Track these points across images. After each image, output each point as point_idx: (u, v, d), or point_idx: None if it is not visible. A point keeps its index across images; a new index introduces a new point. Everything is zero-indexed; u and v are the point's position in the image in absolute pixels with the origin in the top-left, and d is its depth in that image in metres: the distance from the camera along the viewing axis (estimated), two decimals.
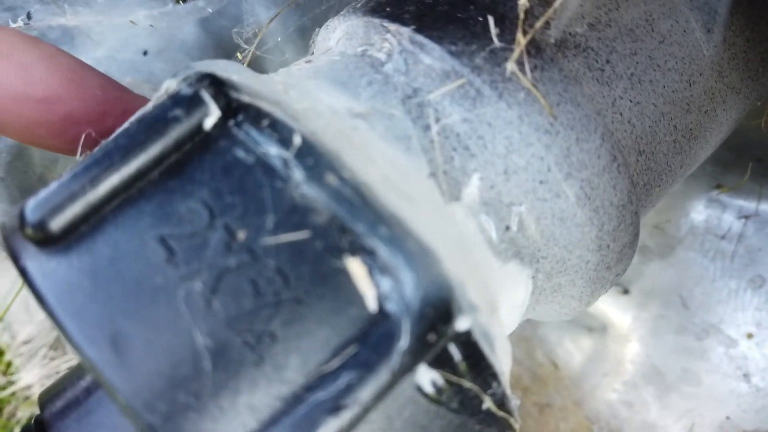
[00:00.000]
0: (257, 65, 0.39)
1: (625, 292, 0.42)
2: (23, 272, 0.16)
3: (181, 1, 0.40)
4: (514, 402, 0.19)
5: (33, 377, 0.54)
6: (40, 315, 0.57)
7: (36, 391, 0.53)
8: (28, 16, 0.33)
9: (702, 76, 0.23)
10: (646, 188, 0.23)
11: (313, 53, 0.25)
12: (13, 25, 0.34)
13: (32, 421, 0.20)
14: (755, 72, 0.25)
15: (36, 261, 0.16)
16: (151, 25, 0.37)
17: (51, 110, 0.21)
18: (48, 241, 0.16)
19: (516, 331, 0.49)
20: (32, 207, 0.16)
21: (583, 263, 0.21)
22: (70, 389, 0.19)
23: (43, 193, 0.16)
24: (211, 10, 0.41)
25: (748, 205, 0.39)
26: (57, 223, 0.16)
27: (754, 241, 0.39)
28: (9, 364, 0.56)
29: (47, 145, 0.22)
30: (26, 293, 0.55)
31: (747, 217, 0.39)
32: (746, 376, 0.39)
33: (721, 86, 0.23)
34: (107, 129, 0.20)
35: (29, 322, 0.56)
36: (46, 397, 0.19)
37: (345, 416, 0.14)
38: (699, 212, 0.40)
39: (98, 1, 0.38)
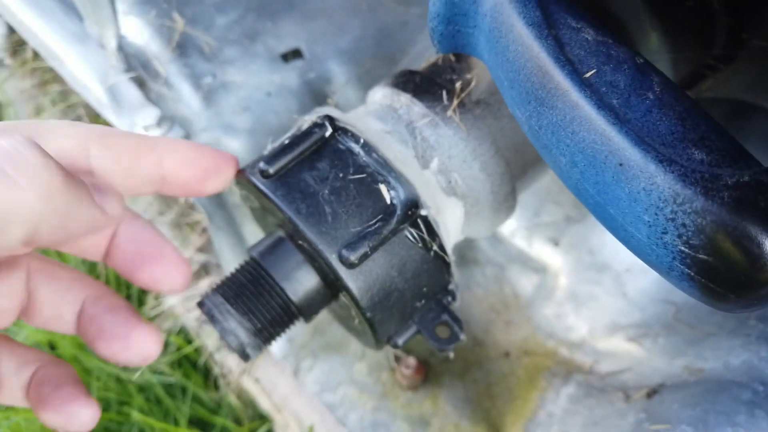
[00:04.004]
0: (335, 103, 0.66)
1: (556, 244, 0.67)
2: (258, 189, 0.42)
3: (287, 63, 0.67)
4: (452, 256, 0.44)
5: (176, 299, 0.81)
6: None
7: (179, 310, 0.81)
8: (214, 76, 0.61)
9: None
10: (522, 168, 0.48)
11: (366, 102, 0.51)
12: (204, 81, 0.62)
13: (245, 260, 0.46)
14: None
15: (263, 184, 0.42)
16: (274, 80, 0.64)
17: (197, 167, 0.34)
18: (269, 176, 0.42)
19: (492, 276, 0.73)
20: (262, 163, 0.42)
21: (486, 200, 0.46)
22: (266, 244, 0.45)
23: (264, 158, 0.42)
24: (305, 69, 0.68)
25: None
26: (272, 169, 0.42)
27: None
28: None
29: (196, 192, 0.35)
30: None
31: None
32: (624, 294, 0.63)
33: None
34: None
35: None
36: (254, 248, 0.45)
37: (376, 238, 0.40)
38: None
39: (243, 63, 0.66)
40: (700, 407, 0.46)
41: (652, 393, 0.52)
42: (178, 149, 0.33)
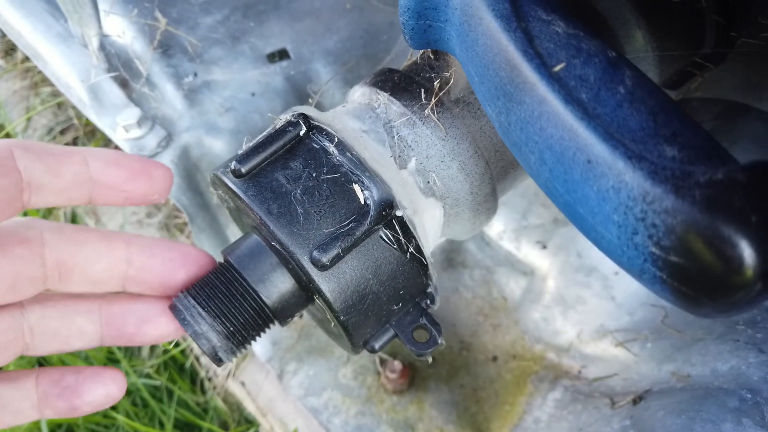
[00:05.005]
0: (318, 103, 0.65)
1: (544, 247, 0.66)
2: (229, 188, 0.41)
3: (272, 63, 0.66)
4: (430, 258, 0.43)
5: None
6: None
7: None
8: (195, 75, 0.60)
9: None
10: (503, 169, 0.47)
11: (346, 102, 0.50)
12: (186, 80, 0.61)
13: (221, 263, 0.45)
14: None
15: (234, 183, 0.41)
16: (259, 80, 0.63)
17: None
18: (240, 175, 0.41)
19: (480, 279, 0.72)
20: (234, 163, 0.41)
21: (465, 201, 0.45)
22: (240, 246, 0.44)
23: (236, 157, 0.41)
24: (290, 70, 0.67)
25: None
26: (244, 168, 0.41)
27: None
28: None
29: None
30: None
31: None
32: (613, 298, 0.61)
33: None
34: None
35: None
36: (228, 250, 0.44)
37: (348, 239, 0.39)
38: None
39: (227, 63, 0.65)
40: (685, 414, 0.45)
41: (638, 399, 0.50)
42: (102, 152, 0.34)
